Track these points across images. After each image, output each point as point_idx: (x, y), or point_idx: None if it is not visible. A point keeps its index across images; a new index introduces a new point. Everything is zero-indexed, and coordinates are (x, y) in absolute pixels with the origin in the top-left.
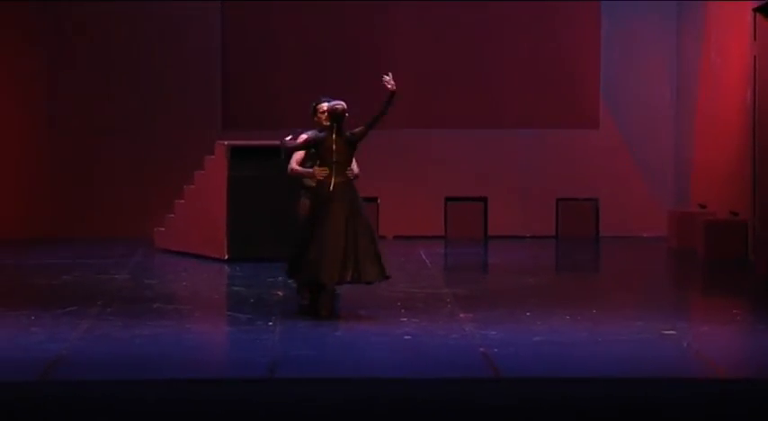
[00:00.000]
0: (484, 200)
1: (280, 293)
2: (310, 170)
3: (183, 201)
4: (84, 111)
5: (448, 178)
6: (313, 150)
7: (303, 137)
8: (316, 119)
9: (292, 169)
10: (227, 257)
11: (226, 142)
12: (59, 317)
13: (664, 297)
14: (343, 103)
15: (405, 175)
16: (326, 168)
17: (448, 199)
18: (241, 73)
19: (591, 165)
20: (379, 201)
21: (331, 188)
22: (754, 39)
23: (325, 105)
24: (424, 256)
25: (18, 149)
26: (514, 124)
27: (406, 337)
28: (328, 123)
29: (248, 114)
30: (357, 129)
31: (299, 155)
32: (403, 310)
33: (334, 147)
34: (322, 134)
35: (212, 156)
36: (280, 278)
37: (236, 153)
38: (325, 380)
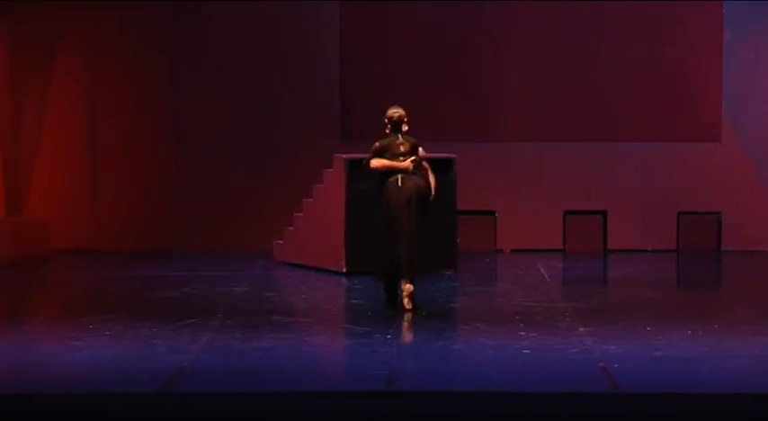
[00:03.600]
0: (603, 213)
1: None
2: (394, 162)
3: (301, 214)
4: (205, 125)
5: (567, 191)
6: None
7: (374, 147)
8: (387, 129)
9: (376, 166)
10: (345, 270)
11: (344, 155)
12: (180, 329)
13: None
14: (400, 110)
15: (523, 189)
16: (407, 156)
17: (567, 212)
18: (359, 85)
19: (713, 178)
20: (497, 214)
21: (399, 184)
22: None
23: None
24: (542, 270)
25: (142, 164)
26: (634, 137)
27: (525, 351)
28: (388, 130)
29: (367, 127)
30: (421, 150)
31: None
32: (521, 324)
33: (401, 148)
34: (386, 140)
35: (331, 170)
36: (398, 292)
37: (355, 166)
38: (443, 394)
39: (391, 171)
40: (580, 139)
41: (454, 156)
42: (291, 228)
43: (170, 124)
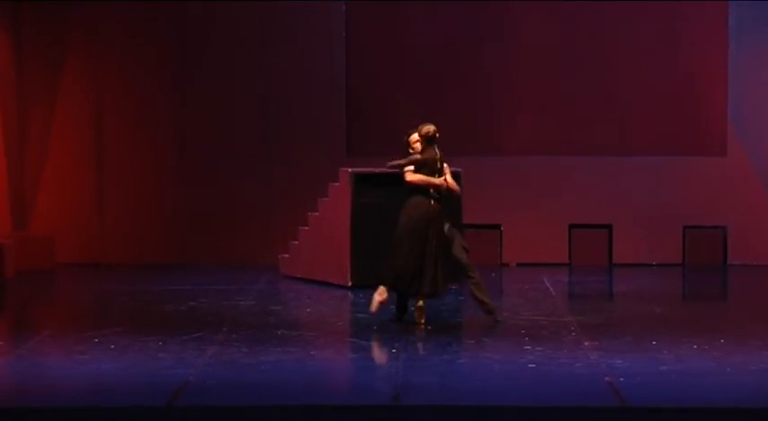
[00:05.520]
0: (609, 227)
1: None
2: (431, 179)
3: (307, 228)
4: (211, 139)
5: (572, 205)
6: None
7: (415, 157)
8: (411, 150)
9: (412, 180)
10: (350, 284)
11: (350, 169)
12: (186, 342)
13: None
14: (431, 125)
15: (529, 202)
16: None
17: (572, 226)
18: (365, 99)
19: (718, 192)
20: (502, 228)
21: (432, 203)
22: None
23: (415, 136)
24: (548, 284)
25: (148, 177)
26: (640, 151)
27: (531, 366)
28: (422, 147)
29: (373, 141)
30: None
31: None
32: (527, 338)
33: (439, 164)
34: (428, 154)
35: (336, 184)
36: (407, 306)
37: (361, 180)
38: (448, 408)
39: (423, 188)
40: (586, 154)
41: (460, 169)
42: (297, 242)
43: (176, 138)
